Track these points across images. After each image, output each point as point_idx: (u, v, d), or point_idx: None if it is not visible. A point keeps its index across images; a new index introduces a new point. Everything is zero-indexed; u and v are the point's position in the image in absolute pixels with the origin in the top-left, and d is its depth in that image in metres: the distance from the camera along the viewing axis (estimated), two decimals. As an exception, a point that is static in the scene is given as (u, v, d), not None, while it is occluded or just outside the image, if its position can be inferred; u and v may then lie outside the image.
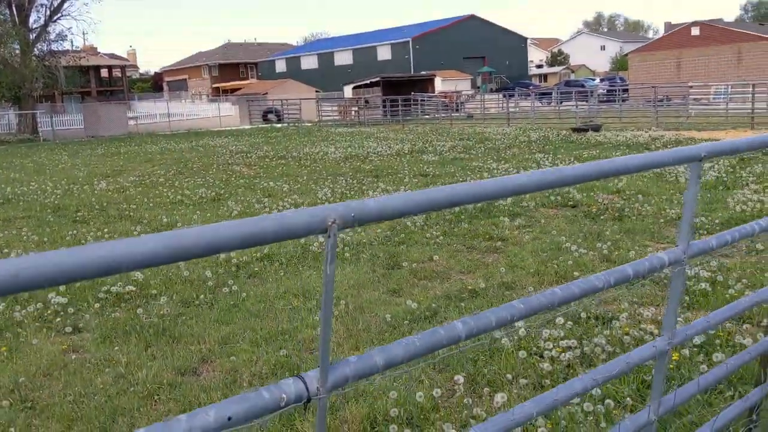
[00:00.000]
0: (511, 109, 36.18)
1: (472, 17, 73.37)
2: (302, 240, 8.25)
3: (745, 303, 2.49)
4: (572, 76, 68.64)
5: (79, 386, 4.38)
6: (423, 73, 57.69)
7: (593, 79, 57.87)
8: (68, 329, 5.48)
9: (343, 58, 75.01)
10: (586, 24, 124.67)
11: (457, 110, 42.06)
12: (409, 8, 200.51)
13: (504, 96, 40.36)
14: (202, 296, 6.19)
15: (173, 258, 1.08)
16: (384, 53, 71.10)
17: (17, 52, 39.45)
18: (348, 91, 53.66)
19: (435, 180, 13.30)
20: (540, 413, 1.80)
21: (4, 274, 0.91)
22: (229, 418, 1.15)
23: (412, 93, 43.34)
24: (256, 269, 7.15)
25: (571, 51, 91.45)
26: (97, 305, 6.00)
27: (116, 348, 5.03)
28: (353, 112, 44.15)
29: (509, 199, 10.35)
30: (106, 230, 9.41)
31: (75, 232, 9.52)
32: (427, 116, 41.28)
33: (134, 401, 4.14)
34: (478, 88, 64.43)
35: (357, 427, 3.64)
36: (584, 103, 36.01)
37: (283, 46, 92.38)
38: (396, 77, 53.49)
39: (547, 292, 1.74)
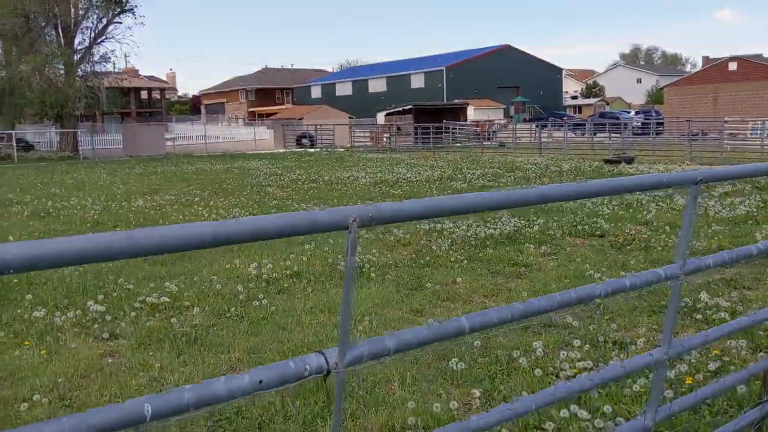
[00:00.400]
0: (543, 139, 36.28)
1: (508, 47, 73.91)
2: (329, 259, 8.50)
3: (744, 322, 2.63)
4: (607, 108, 68.47)
5: (114, 387, 4.63)
6: (456, 101, 58.20)
7: (628, 112, 57.71)
8: (105, 335, 5.76)
9: (377, 85, 75.96)
10: (623, 57, 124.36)
11: (488, 139, 42.30)
12: (444, 38, 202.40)
13: (537, 126, 40.48)
14: (233, 309, 6.44)
15: (224, 241, 1.29)
16: (417, 81, 71.84)
17: (62, 72, 40.84)
18: (381, 117, 54.31)
19: (463, 206, 13.47)
20: (538, 407, 1.97)
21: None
22: (260, 382, 1.36)
23: (444, 121, 43.71)
24: (285, 285, 7.39)
25: (606, 83, 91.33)
26: (132, 314, 6.28)
27: (150, 354, 5.29)
28: (385, 139, 44.65)
29: (535, 227, 10.49)
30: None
31: (113, 245, 9.88)
32: (458, 144, 41.58)
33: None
34: (511, 117, 64.64)
35: (377, 433, 3.81)
36: (618, 135, 35.97)
37: (318, 72, 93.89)
38: (429, 105, 54.05)
39: (547, 296, 1.92)
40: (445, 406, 3.99)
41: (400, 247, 9.47)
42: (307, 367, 1.44)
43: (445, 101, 62.23)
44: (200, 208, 14.07)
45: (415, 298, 6.80)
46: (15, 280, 7.56)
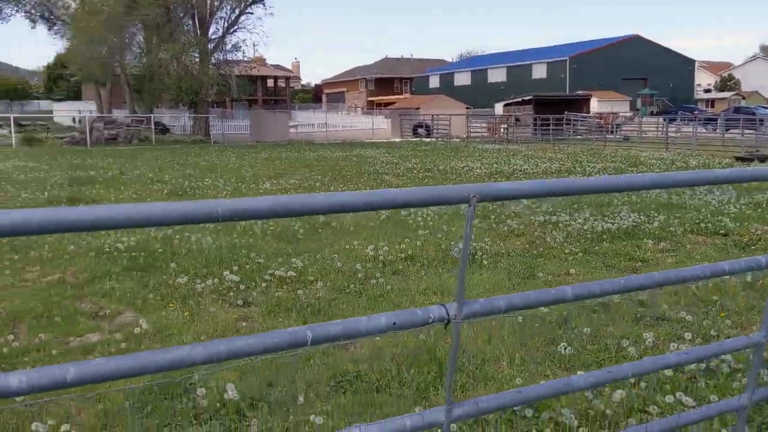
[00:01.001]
0: (671, 134, 34.75)
1: (636, 37, 70.88)
2: (442, 245, 8.80)
3: None
4: (743, 103, 64.26)
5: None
6: (578, 93, 56.60)
7: (765, 107, 53.93)
8: (239, 302, 6.37)
9: (497, 75, 75.12)
10: (763, 48, 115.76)
11: (612, 132, 40.97)
12: (568, 26, 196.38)
13: (664, 120, 38.77)
14: (352, 285, 6.89)
15: (367, 207, 1.62)
16: (539, 72, 70.41)
17: (197, 60, 43.43)
18: (499, 108, 53.79)
19: (579, 199, 13.36)
20: (635, 374, 2.18)
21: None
22: (394, 323, 1.69)
23: (566, 113, 42.73)
24: (400, 267, 7.77)
25: (743, 76, 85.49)
26: (263, 284, 6.88)
27: (279, 320, 5.81)
28: (502, 130, 44.26)
29: (655, 223, 10.31)
30: (270, 223, 10.46)
31: (243, 223, 10.66)
32: (579, 137, 40.55)
33: (292, 363, 4.84)
34: (637, 110, 62.07)
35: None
36: (752, 131, 33.85)
37: (438, 62, 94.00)
38: (550, 96, 52.94)
39: (647, 275, 2.13)
40: (551, 385, 4.19)
41: (513, 238, 9.62)
42: (431, 315, 1.75)
43: (567, 92, 60.67)
44: (321, 192, 14.76)
45: (527, 287, 6.96)
46: (160, 250, 8.41)
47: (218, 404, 4.13)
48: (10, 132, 37.59)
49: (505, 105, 53.25)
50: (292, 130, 47.60)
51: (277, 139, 42.36)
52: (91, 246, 8.68)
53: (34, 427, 3.57)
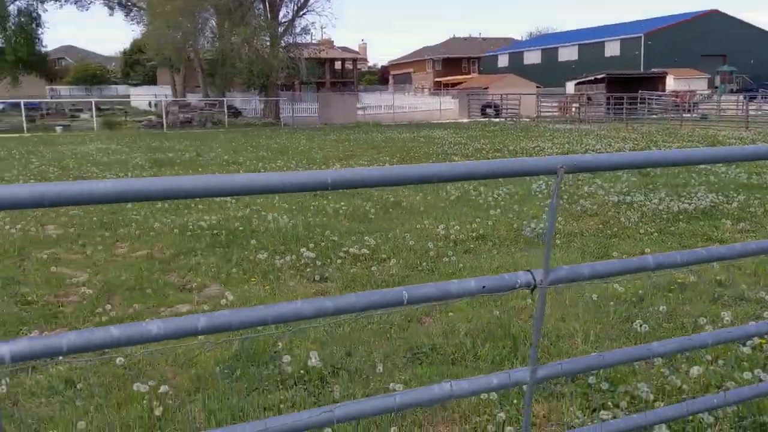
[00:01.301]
0: (751, 112, 33.29)
1: (714, 12, 67.82)
2: (514, 225, 8.82)
3: None
4: (833, 79, 60.72)
5: (327, 321, 5.38)
6: (653, 70, 54.79)
7: None
8: (317, 277, 6.60)
9: (568, 53, 73.33)
10: None
11: (689, 111, 39.57)
12: (643, 2, 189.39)
13: (744, 98, 37.15)
14: (424, 263, 7.03)
15: (446, 179, 1.73)
16: (612, 49, 68.34)
17: (267, 43, 44.13)
18: (570, 87, 52.60)
19: (654, 180, 13.06)
20: (715, 342, 2.23)
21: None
22: (484, 287, 1.80)
23: (640, 91, 41.48)
24: (472, 246, 7.85)
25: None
26: (338, 261, 7.09)
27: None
28: (574, 109, 43.35)
29: (734, 204, 10.02)
30: (342, 203, 10.69)
31: (317, 203, 10.94)
32: (654, 116, 39.35)
33: (370, 336, 5.02)
34: (716, 88, 59.57)
35: (562, 378, 4.16)
36: (842, 108, 32.06)
37: (506, 41, 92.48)
38: (623, 74, 51.44)
39: (728, 246, 2.17)
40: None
41: (587, 218, 9.54)
42: (518, 280, 1.85)
43: (641, 70, 58.77)
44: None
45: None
46: (240, 228, 8.75)
47: (302, 371, 4.34)
48: (92, 116, 39.28)
49: (577, 84, 52.00)
50: (360, 112, 47.90)
51: (344, 121, 42.76)
52: (175, 224, 9.11)
53: (136, 387, 3.86)
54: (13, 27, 48.40)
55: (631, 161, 1.93)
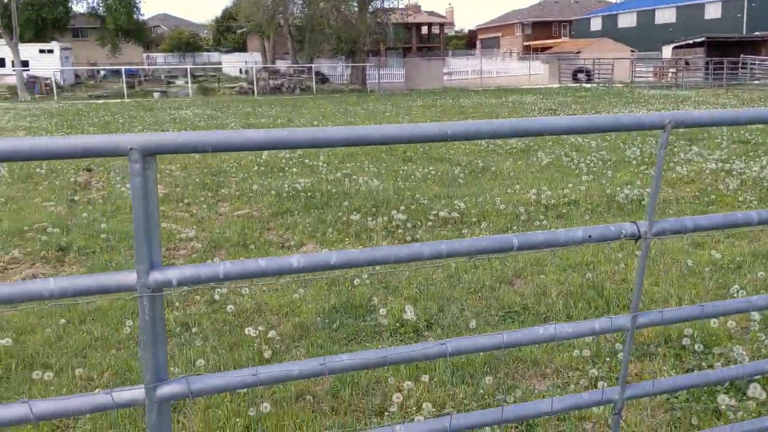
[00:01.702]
0: None
1: (833, -33, 62.78)
2: (608, 191, 8.70)
3: None
4: None
5: (420, 278, 5.57)
6: (757, 34, 51.50)
7: None
8: (408, 238, 6.79)
9: (665, 16, 69.85)
10: None
11: (796, 76, 37.18)
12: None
13: None
14: (515, 227, 7.09)
15: (563, 131, 1.84)
16: (713, 11, 64.58)
17: (355, 9, 44.25)
18: (666, 51, 50.27)
19: (756, 147, 12.49)
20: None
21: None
22: (590, 236, 1.91)
23: (742, 55, 39.24)
24: (564, 211, 7.83)
25: None
26: (428, 224, 7.26)
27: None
28: (670, 74, 41.51)
29: None
30: (431, 168, 10.81)
31: (405, 168, 11.11)
32: (756, 81, 37.22)
33: (462, 294, 5.18)
34: (830, 51, 55.41)
35: (656, 340, 4.20)
36: None
37: (600, 3, 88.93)
38: (724, 38, 48.66)
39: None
40: (723, 326, 4.21)
41: (683, 185, 9.29)
42: (623, 231, 1.95)
43: (743, 34, 55.37)
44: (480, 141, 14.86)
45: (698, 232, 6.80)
46: (333, 191, 9.04)
47: (397, 324, 4.56)
48: (186, 82, 40.72)
49: (675, 48, 49.63)
50: (446, 77, 47.50)
51: (430, 86, 42.57)
52: (272, 186, 9.50)
53: (247, 331, 4.18)
54: (114, -4, 50.59)
55: (735, 118, 1.97)
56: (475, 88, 41.76)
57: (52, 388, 3.73)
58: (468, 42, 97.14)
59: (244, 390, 3.56)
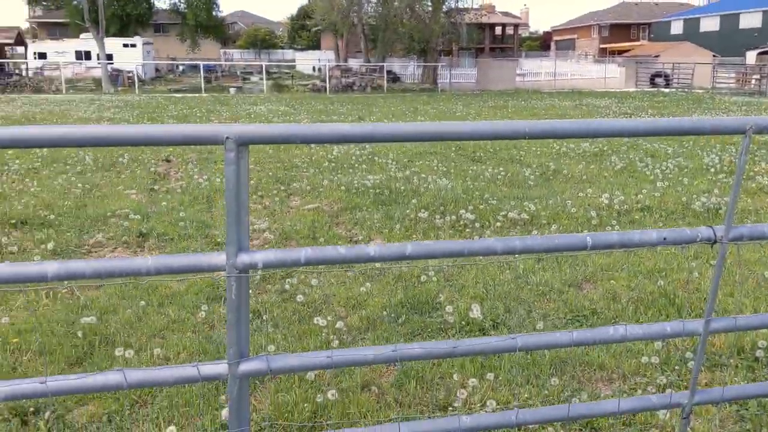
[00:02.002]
0: None
1: None
2: (684, 198, 8.47)
3: None
4: None
5: (487, 278, 5.58)
6: None
7: None
8: (475, 238, 6.80)
9: (751, 20, 66.94)
10: None
11: None
12: None
13: None
14: (586, 230, 7.00)
15: (625, 133, 1.85)
16: (805, 14, 61.56)
17: (429, 8, 44.26)
18: (751, 57, 48.27)
19: None
20: None
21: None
22: (665, 238, 1.92)
23: (836, 61, 37.26)
24: (636, 217, 7.68)
25: None
26: (497, 224, 7.24)
27: (514, 257, 6.15)
28: (753, 81, 39.83)
29: None
30: (500, 168, 10.76)
31: (475, 168, 11.09)
32: None
33: (529, 296, 5.17)
34: None
35: (728, 351, 4.10)
36: None
37: (681, 6, 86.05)
38: (816, 42, 46.33)
39: None
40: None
41: (763, 195, 8.96)
42: (699, 235, 1.95)
43: (839, 37, 52.58)
44: (551, 141, 14.68)
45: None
46: (402, 188, 9.12)
47: (463, 322, 4.60)
48: (261, 79, 41.64)
49: (760, 53, 47.61)
50: (519, 78, 46.93)
51: (502, 87, 42.17)
52: (341, 182, 9.66)
53: (316, 321, 4.30)
54: (194, -7, 52.21)
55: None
56: (548, 90, 41.11)
57: (132, 365, 3.94)
58: (542, 43, 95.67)
59: (313, 377, 3.68)
